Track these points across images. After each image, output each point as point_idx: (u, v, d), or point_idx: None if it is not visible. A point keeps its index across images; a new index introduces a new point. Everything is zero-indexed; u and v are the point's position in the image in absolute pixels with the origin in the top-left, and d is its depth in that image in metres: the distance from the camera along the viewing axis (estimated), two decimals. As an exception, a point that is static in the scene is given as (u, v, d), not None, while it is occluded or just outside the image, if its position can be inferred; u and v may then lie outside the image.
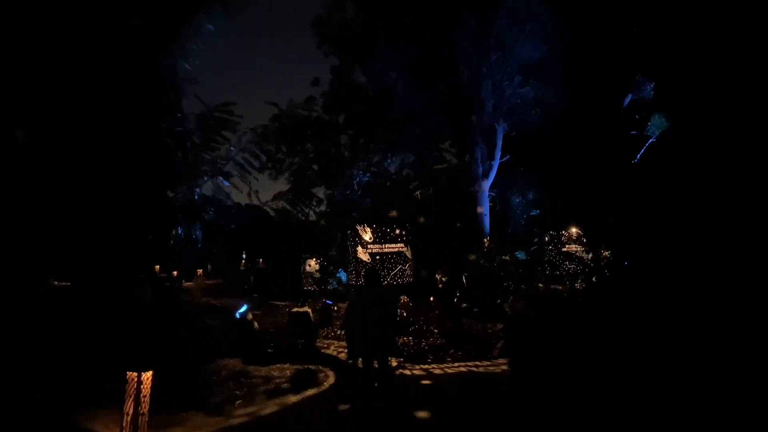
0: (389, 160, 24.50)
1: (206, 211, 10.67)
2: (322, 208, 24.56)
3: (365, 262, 14.78)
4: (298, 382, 9.45)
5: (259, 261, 64.94)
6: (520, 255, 25.95)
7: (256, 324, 11.68)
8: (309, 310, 12.33)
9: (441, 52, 22.91)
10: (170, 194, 10.04)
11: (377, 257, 14.69)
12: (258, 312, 16.80)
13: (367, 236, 14.62)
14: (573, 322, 7.97)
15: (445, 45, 22.81)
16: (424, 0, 21.87)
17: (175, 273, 13.34)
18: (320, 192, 25.65)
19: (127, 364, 5.05)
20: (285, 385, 9.30)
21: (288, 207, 12.87)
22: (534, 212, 25.45)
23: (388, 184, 26.11)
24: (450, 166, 24.55)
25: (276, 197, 12.90)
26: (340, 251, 21.17)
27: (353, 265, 15.19)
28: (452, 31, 22.68)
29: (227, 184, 11.30)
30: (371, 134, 23.18)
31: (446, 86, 23.78)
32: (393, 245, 14.78)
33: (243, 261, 57.53)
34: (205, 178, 11.21)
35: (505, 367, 9.09)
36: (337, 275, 23.68)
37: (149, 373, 5.20)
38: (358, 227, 14.72)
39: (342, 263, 21.72)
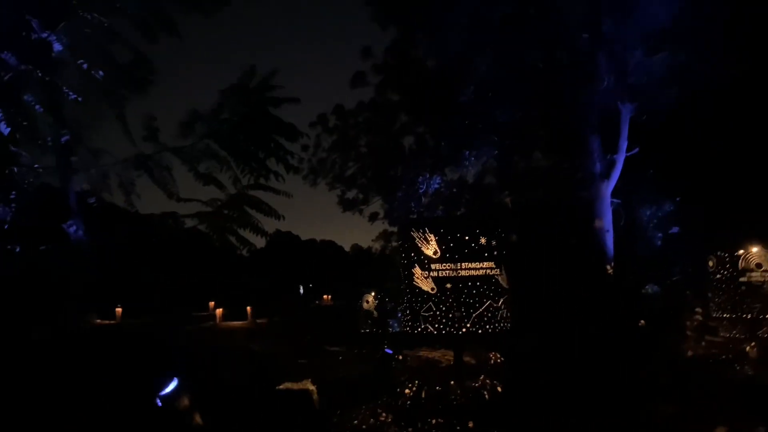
0: (466, 162, 18.28)
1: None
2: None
3: (427, 293, 8.54)
4: None
5: (324, 297, 59.91)
6: (651, 289, 18.77)
7: (198, 417, 5.71)
8: (312, 389, 6.25)
9: (536, 10, 16.78)
10: None
11: (447, 285, 8.43)
12: (303, 361, 13.35)
13: (430, 249, 8.43)
14: None
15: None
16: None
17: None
18: (377, 205, 19.80)
19: None
20: None
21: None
22: (673, 229, 18.13)
23: (466, 197, 19.90)
24: (551, 166, 17.98)
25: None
26: (401, 281, 15.07)
27: (408, 298, 9.02)
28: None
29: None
30: (441, 124, 17.22)
31: (544, 58, 17.48)
32: (475, 264, 8.45)
33: (305, 296, 52.57)
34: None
35: None
36: (399, 314, 18.06)
37: None
38: (414, 234, 8.55)
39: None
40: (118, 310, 28.43)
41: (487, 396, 8.03)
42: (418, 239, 8.59)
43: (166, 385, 5.66)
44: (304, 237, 62.92)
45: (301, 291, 48.18)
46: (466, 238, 8.45)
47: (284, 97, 6.93)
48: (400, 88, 17.45)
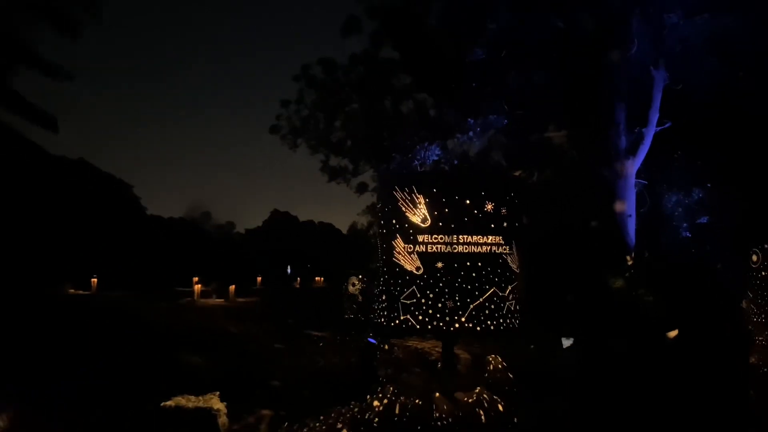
0: (471, 132, 16.05)
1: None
2: None
3: (411, 273, 6.37)
4: None
5: (316, 279, 58.18)
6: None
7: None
8: (218, 408, 4.08)
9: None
10: None
11: (437, 264, 6.25)
12: (280, 346, 12.56)
13: (418, 216, 6.24)
14: None
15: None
16: None
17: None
18: (367, 176, 17.61)
19: None
20: None
21: None
22: (702, 219, 15.97)
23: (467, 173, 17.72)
24: (568, 139, 15.75)
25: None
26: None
27: (384, 279, 6.83)
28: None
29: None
30: (444, 85, 14.97)
31: (566, 16, 15.21)
32: (477, 238, 6.25)
33: (294, 277, 50.75)
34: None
35: None
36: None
37: None
38: (397, 194, 6.32)
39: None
40: (94, 280, 26.64)
41: (483, 417, 5.89)
42: (401, 201, 6.38)
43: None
44: (302, 218, 61.88)
45: (289, 271, 46.34)
46: (467, 201, 6.23)
47: None
48: (399, 40, 15.15)
